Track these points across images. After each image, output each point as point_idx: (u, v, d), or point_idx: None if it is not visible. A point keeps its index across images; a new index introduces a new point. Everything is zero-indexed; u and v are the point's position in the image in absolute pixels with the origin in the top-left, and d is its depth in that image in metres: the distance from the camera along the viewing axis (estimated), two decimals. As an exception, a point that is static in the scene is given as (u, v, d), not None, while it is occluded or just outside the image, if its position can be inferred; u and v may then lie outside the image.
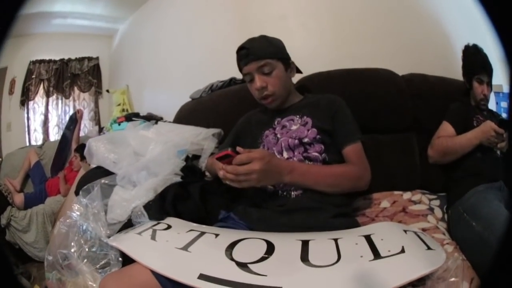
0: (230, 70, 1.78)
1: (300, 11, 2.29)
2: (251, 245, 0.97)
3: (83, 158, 2.24)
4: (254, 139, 1.38)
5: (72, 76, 3.60)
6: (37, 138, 3.51)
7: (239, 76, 1.76)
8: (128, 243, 1.07)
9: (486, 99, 1.60)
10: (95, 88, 3.64)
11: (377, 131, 1.65)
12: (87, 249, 1.15)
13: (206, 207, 1.29)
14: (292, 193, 1.20)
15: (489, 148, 1.45)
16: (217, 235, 1.05)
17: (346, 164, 1.24)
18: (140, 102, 3.40)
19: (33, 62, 3.45)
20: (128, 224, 1.22)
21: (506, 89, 1.60)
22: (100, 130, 3.34)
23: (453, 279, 0.83)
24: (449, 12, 2.01)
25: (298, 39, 2.13)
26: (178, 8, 3.00)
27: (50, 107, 3.55)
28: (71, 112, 3.49)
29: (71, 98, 3.60)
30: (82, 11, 3.39)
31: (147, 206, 1.24)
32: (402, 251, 0.85)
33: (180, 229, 1.11)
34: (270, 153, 1.12)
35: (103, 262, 1.11)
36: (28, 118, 3.46)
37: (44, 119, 3.54)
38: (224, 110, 1.91)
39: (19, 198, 2.82)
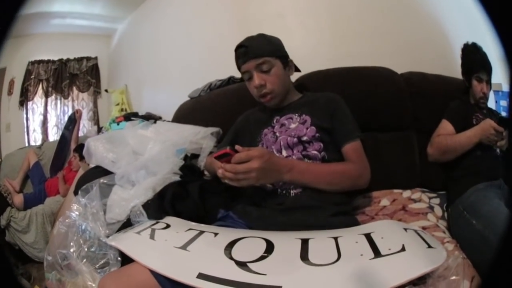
0: (229, 69, 1.78)
1: (299, 9, 2.29)
2: (251, 244, 0.96)
3: (82, 158, 2.24)
4: (253, 137, 1.38)
5: (70, 76, 3.59)
6: (36, 138, 3.51)
7: (237, 75, 1.76)
8: (127, 242, 1.06)
9: (486, 97, 1.60)
10: (94, 88, 3.63)
11: (376, 130, 1.65)
12: (86, 249, 1.14)
13: (205, 206, 1.29)
14: (292, 191, 1.19)
15: (488, 147, 1.45)
16: (216, 234, 1.04)
17: (345, 162, 1.24)
18: (139, 101, 3.40)
19: (32, 63, 3.45)
20: (127, 224, 1.22)
21: (505, 88, 1.60)
22: (99, 130, 3.34)
23: (453, 277, 0.82)
24: (448, 11, 2.01)
25: (297, 38, 2.14)
26: (176, 8, 2.99)
27: (49, 107, 3.54)
28: (70, 112, 3.48)
29: (70, 98, 3.59)
30: (81, 11, 3.38)
31: (146, 206, 1.24)
32: (403, 249, 0.85)
33: (179, 228, 1.11)
34: (269, 151, 1.12)
35: (102, 261, 1.10)
36: (27, 119, 3.46)
37: (43, 120, 3.53)
38: (222, 109, 1.90)
39: (18, 199, 2.81)
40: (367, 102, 1.61)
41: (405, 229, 1.01)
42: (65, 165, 3.01)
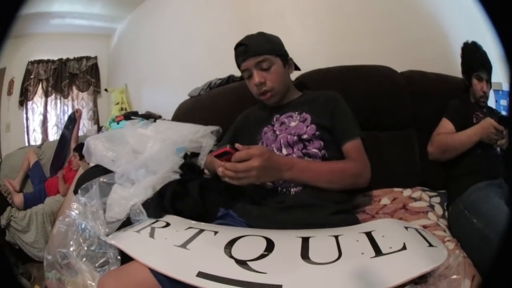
0: (228, 67, 1.77)
1: (299, 9, 2.30)
2: (251, 242, 0.96)
3: (82, 157, 2.24)
4: (253, 136, 1.38)
5: (70, 75, 3.58)
6: (36, 138, 3.50)
7: (237, 73, 1.77)
8: (127, 241, 1.06)
9: (486, 96, 1.60)
10: (93, 88, 3.63)
11: (376, 128, 1.65)
12: (85, 248, 1.14)
13: (205, 204, 1.28)
14: (292, 189, 1.19)
15: (489, 145, 1.45)
16: (216, 232, 1.04)
17: (346, 161, 1.23)
18: (139, 101, 3.40)
19: (32, 63, 3.44)
20: (127, 222, 1.21)
21: (505, 87, 1.59)
22: (99, 129, 3.34)
23: (454, 276, 0.83)
24: (448, 10, 2.00)
25: (297, 37, 2.14)
26: (176, 7, 3.00)
27: (49, 107, 3.54)
28: (70, 111, 3.48)
29: (69, 97, 3.59)
30: (80, 10, 3.38)
31: (146, 204, 1.24)
32: (404, 248, 0.84)
33: (178, 227, 1.10)
34: (269, 150, 1.12)
35: (101, 260, 1.11)
36: (27, 118, 3.45)
37: (43, 119, 3.52)
38: (222, 107, 1.91)
39: (18, 198, 2.81)
40: (367, 101, 1.61)
41: (406, 228, 1.01)
42: (65, 165, 3.01)
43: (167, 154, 1.49)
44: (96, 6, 3.39)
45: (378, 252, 0.84)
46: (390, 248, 0.84)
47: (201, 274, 0.81)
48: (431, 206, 1.41)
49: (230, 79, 2.06)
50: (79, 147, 2.55)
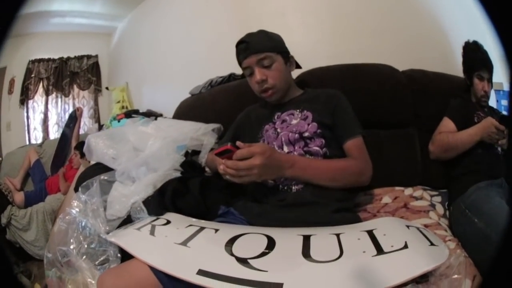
0: (229, 65, 1.77)
1: (299, 7, 2.30)
2: (252, 240, 0.95)
3: (83, 155, 2.23)
4: (254, 133, 1.38)
5: (71, 74, 3.59)
6: (37, 136, 3.51)
7: (238, 71, 1.76)
8: (127, 238, 1.06)
9: (487, 95, 1.61)
10: (94, 86, 3.64)
11: (377, 127, 1.65)
12: (86, 246, 1.14)
13: (206, 202, 1.28)
14: (293, 187, 1.18)
15: (490, 145, 1.46)
16: (216, 230, 1.04)
17: (347, 159, 1.23)
18: (140, 99, 3.40)
19: (32, 61, 3.45)
20: (127, 220, 1.21)
21: (506, 87, 1.59)
22: (100, 127, 3.34)
23: (455, 276, 0.82)
24: (449, 9, 2.01)
25: (297, 35, 2.14)
26: (176, 5, 3.01)
27: (49, 106, 3.55)
28: (71, 110, 3.49)
29: (70, 96, 3.60)
30: (81, 9, 3.39)
31: (146, 202, 1.23)
32: (405, 246, 0.84)
33: (179, 224, 1.10)
34: (270, 148, 1.11)
35: (102, 258, 1.10)
36: (27, 117, 3.46)
37: (43, 118, 3.53)
38: (223, 105, 1.91)
39: (19, 197, 2.81)
40: (368, 99, 1.60)
41: (408, 226, 1.01)
42: (66, 163, 3.01)
43: (168, 152, 1.48)
44: (96, 4, 3.40)
45: (379, 250, 0.83)
46: (392, 246, 0.84)
47: (201, 272, 0.80)
48: (432, 205, 1.41)
49: (231, 77, 2.06)
50: (80, 145, 2.55)
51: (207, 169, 1.55)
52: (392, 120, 1.69)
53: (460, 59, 1.67)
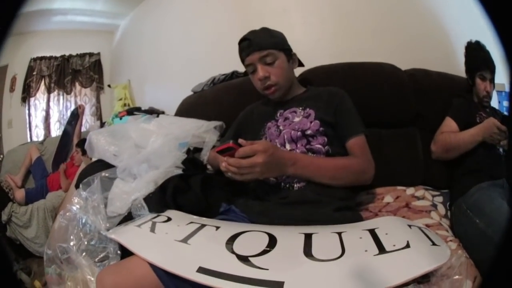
0: (232, 63, 1.77)
1: (302, 5, 2.30)
2: (253, 238, 0.95)
3: (84, 152, 2.24)
4: (256, 131, 1.37)
5: (73, 72, 3.61)
6: (38, 134, 3.53)
7: (241, 69, 1.76)
8: (127, 235, 1.05)
9: (489, 96, 1.61)
10: (96, 84, 3.65)
11: (379, 126, 1.64)
12: (86, 243, 1.13)
13: (207, 199, 1.28)
14: (295, 185, 1.18)
15: (492, 145, 1.45)
16: (217, 227, 1.03)
17: (349, 157, 1.22)
18: (142, 96, 3.41)
19: (34, 59, 3.47)
20: (128, 217, 1.20)
21: (508, 88, 1.58)
22: (102, 125, 3.35)
23: (457, 276, 0.82)
24: (450, 9, 2.01)
25: (300, 33, 2.15)
26: (179, 3, 3.01)
27: (51, 103, 3.56)
28: (73, 107, 3.50)
29: (72, 93, 3.61)
30: (82, 7, 3.40)
31: (147, 199, 1.23)
32: (407, 246, 0.83)
33: (180, 222, 1.10)
34: (273, 145, 1.11)
35: (102, 255, 1.09)
36: (29, 115, 3.48)
37: (45, 115, 3.55)
38: (225, 103, 1.90)
39: (20, 194, 2.82)
40: (370, 98, 1.59)
41: (410, 226, 1.01)
42: (67, 160, 3.01)
43: (169, 149, 1.48)
44: (98, 2, 3.41)
45: (381, 249, 0.83)
46: (394, 246, 0.84)
47: (201, 270, 0.79)
48: (434, 206, 1.41)
49: (234, 74, 2.06)
50: (82, 142, 2.54)
51: (208, 166, 1.55)
52: (394, 119, 1.69)
53: (462, 59, 1.67)
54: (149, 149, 1.50)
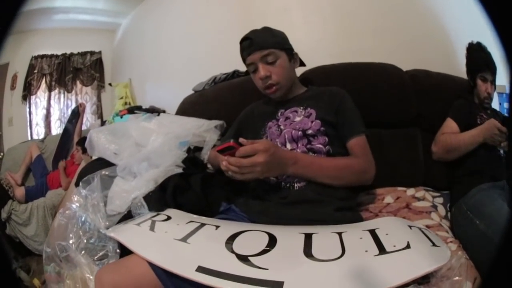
0: (233, 62, 1.77)
1: (303, 5, 2.31)
2: (253, 237, 0.95)
3: (84, 151, 2.23)
4: (257, 130, 1.37)
5: (74, 70, 3.61)
6: (39, 132, 3.53)
7: (242, 68, 1.76)
8: (126, 234, 1.05)
9: (490, 97, 1.60)
10: (97, 82, 3.65)
11: (380, 126, 1.64)
12: (85, 241, 1.13)
13: (207, 198, 1.28)
14: (295, 185, 1.18)
15: (492, 147, 1.45)
16: (217, 226, 1.03)
17: (350, 157, 1.22)
18: (143, 95, 3.41)
19: (35, 57, 3.47)
20: (127, 216, 1.20)
21: (509, 90, 1.58)
22: (103, 123, 3.34)
23: (456, 278, 0.81)
24: (452, 10, 2.00)
25: (301, 33, 2.14)
26: (180, 2, 3.01)
27: (52, 101, 3.56)
28: (73, 106, 3.49)
29: (73, 92, 3.61)
30: (84, 6, 3.40)
31: (147, 197, 1.23)
32: (408, 246, 0.83)
33: (179, 221, 1.09)
34: (274, 145, 1.10)
35: (101, 253, 1.09)
36: (30, 113, 3.48)
37: (46, 113, 3.55)
38: (226, 102, 1.90)
39: (20, 192, 2.82)
40: (371, 98, 1.59)
41: (410, 227, 1.01)
42: (68, 158, 3.01)
43: (170, 147, 1.48)
44: (99, 1, 3.42)
45: (382, 250, 0.83)
46: (394, 246, 0.84)
47: (200, 269, 0.79)
48: (434, 207, 1.41)
49: (235, 74, 2.06)
50: (82, 141, 2.54)
51: (209, 166, 1.54)
52: (395, 120, 1.68)
53: (463, 60, 1.67)
54: (150, 147, 1.51)
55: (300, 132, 1.24)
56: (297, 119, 1.29)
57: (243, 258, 0.83)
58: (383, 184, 1.49)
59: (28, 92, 3.44)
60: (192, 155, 1.53)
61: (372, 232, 0.93)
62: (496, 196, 1.27)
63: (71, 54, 3.59)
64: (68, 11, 3.37)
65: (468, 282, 0.93)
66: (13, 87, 3.38)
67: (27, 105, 3.45)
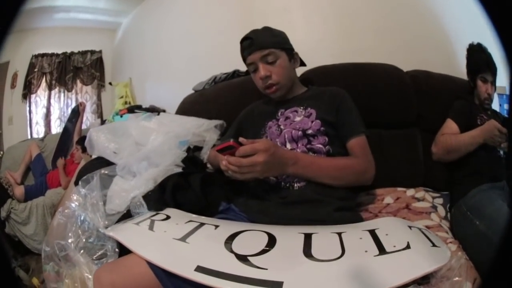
0: (234, 62, 1.77)
1: (304, 4, 2.31)
2: (252, 237, 0.94)
3: (84, 150, 2.23)
4: (257, 130, 1.37)
5: (74, 69, 3.60)
6: (38, 131, 3.51)
7: (242, 68, 1.76)
8: (125, 233, 1.05)
9: (490, 98, 1.60)
10: (97, 81, 3.64)
11: (380, 126, 1.64)
12: (84, 240, 1.13)
13: (207, 198, 1.27)
14: (295, 184, 1.18)
15: (492, 147, 1.45)
16: (217, 226, 1.03)
17: (350, 157, 1.22)
18: (143, 94, 3.41)
19: (36, 56, 3.46)
20: (127, 215, 1.20)
21: (509, 91, 1.58)
22: (102, 122, 3.34)
23: (456, 278, 0.81)
24: (453, 11, 2.00)
25: (301, 33, 2.14)
26: (181, 2, 3.01)
27: (52, 100, 3.55)
28: (74, 105, 3.49)
29: (73, 91, 3.60)
30: (85, 5, 3.39)
31: (147, 197, 1.22)
32: (408, 247, 0.83)
33: (179, 220, 1.09)
34: (274, 144, 1.10)
35: (100, 253, 1.09)
36: (30, 111, 3.47)
37: (46, 112, 3.54)
38: (226, 102, 1.90)
39: (19, 191, 2.82)
40: (372, 99, 1.60)
41: (410, 227, 1.00)
42: (67, 157, 3.01)
43: (170, 147, 1.48)
44: (101, 0, 3.40)
45: (381, 250, 0.82)
46: (394, 246, 0.84)
47: (199, 269, 0.79)
48: (434, 207, 1.41)
49: (235, 73, 2.06)
50: (82, 140, 2.53)
51: (208, 165, 1.54)
52: (395, 120, 1.69)
53: (464, 61, 1.67)
54: (149, 147, 1.50)
55: (300, 132, 1.24)
56: (297, 119, 1.29)
57: (243, 258, 0.82)
58: (383, 184, 1.49)
59: (28, 91, 3.42)
60: (192, 155, 1.53)
61: (372, 232, 0.93)
62: (496, 197, 1.27)
63: (72, 53, 3.58)
64: (69, 10, 3.36)
65: (468, 283, 0.93)
66: (13, 86, 3.37)
67: (27, 104, 3.44)
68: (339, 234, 0.92)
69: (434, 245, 0.90)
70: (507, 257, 0.61)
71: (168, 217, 1.12)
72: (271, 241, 0.90)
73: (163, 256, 0.88)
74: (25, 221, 2.56)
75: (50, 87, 3.53)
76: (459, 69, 1.70)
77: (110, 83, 3.58)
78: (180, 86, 2.40)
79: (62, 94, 3.57)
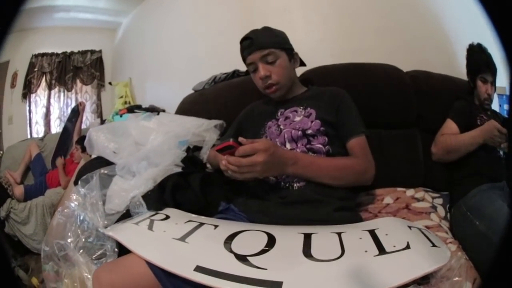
0: (234, 62, 1.77)
1: (304, 4, 2.31)
2: (251, 237, 0.94)
3: (84, 149, 2.23)
4: (257, 130, 1.37)
5: (74, 69, 3.60)
6: (38, 130, 3.51)
7: (242, 68, 1.76)
8: (125, 233, 1.05)
9: (490, 98, 1.60)
10: (97, 81, 3.64)
11: (380, 126, 1.64)
12: (83, 240, 1.13)
13: (206, 198, 1.27)
14: (295, 184, 1.17)
15: (492, 148, 1.45)
16: (216, 226, 1.03)
17: (350, 157, 1.22)
18: (143, 94, 3.41)
19: (36, 56, 3.46)
20: (126, 215, 1.19)
21: (509, 91, 1.58)
22: (102, 122, 3.34)
23: (456, 278, 0.81)
24: (453, 11, 2.00)
25: (301, 33, 2.14)
26: (181, 1, 3.01)
27: (52, 100, 3.55)
28: (73, 104, 3.49)
29: (73, 90, 3.60)
30: (85, 4, 3.39)
31: (146, 196, 1.22)
32: (408, 247, 0.83)
33: (178, 220, 1.09)
34: (274, 144, 1.09)
35: (99, 252, 1.09)
36: (29, 111, 3.46)
37: (46, 112, 3.53)
38: (226, 102, 1.89)
39: (19, 190, 2.82)
40: (372, 99, 1.60)
41: (410, 227, 1.00)
42: (67, 157, 3.01)
43: (169, 147, 1.48)
44: (101, 0, 3.40)
45: (381, 250, 0.82)
46: (394, 246, 0.83)
47: (199, 269, 0.79)
48: (434, 207, 1.40)
49: (235, 73, 2.06)
50: (81, 139, 2.54)
51: (208, 165, 1.54)
52: (395, 121, 1.69)
53: (463, 61, 1.67)
54: (149, 146, 1.50)
55: (299, 132, 1.24)
56: (297, 119, 1.29)
57: (242, 258, 0.82)
58: (383, 184, 1.49)
59: (28, 90, 3.42)
60: (192, 155, 1.53)
61: (372, 233, 0.93)
62: (496, 197, 1.27)
63: (72, 53, 3.58)
64: (69, 9, 3.36)
65: (468, 283, 0.93)
66: (13, 85, 3.37)
67: (27, 104, 3.44)
68: (339, 234, 0.92)
69: (434, 245, 0.89)
70: (507, 257, 0.61)
71: (167, 217, 1.12)
72: (271, 241, 0.90)
73: (163, 256, 0.88)
74: (25, 220, 2.56)
75: (50, 87, 3.53)
76: (459, 70, 1.70)
77: (110, 83, 3.59)
78: (180, 86, 2.40)
79: (62, 94, 3.57)
